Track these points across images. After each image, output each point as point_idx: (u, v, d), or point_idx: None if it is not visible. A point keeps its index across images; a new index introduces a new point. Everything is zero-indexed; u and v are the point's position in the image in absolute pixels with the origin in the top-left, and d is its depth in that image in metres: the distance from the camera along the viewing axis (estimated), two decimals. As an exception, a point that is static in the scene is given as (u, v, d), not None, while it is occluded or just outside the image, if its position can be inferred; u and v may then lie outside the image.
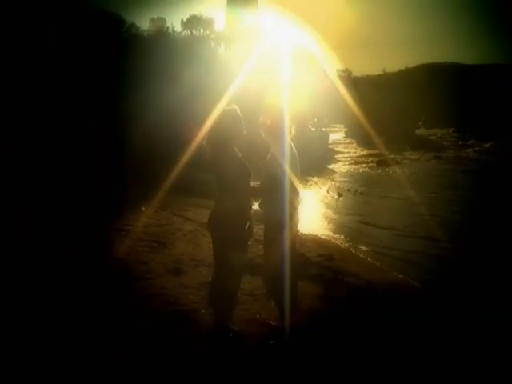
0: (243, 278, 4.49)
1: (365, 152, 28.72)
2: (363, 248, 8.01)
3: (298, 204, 4.19)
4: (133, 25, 21.96)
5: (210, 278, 4.28)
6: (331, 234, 9.06)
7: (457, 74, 46.71)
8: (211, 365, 3.58)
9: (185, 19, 30.63)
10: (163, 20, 27.79)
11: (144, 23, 29.61)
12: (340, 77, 43.01)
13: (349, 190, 14.76)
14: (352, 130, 36.43)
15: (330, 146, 29.76)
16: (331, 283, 5.62)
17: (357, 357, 3.85)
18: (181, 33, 28.28)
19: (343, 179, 18.10)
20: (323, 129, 35.96)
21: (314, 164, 18.65)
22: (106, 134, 13.00)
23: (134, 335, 3.93)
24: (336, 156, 27.22)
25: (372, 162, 23.86)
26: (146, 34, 23.36)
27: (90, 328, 3.96)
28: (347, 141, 37.36)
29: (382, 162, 22.71)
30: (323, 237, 8.76)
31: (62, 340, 3.76)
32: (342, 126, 44.79)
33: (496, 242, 8.13)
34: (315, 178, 17.15)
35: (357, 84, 38.99)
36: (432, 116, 44.99)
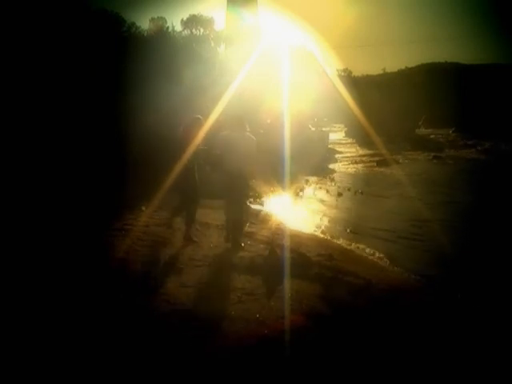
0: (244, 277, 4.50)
1: (365, 152, 28.68)
2: (363, 247, 8.01)
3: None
4: (133, 24, 21.89)
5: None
6: (331, 233, 9.05)
7: (457, 74, 46.62)
8: (210, 364, 3.58)
9: (185, 19, 30.57)
10: (163, 19, 27.66)
11: (144, 23, 29.45)
12: (340, 76, 43.02)
13: (349, 190, 14.75)
14: (352, 130, 36.29)
15: (329, 146, 29.70)
16: (331, 282, 5.62)
17: (357, 356, 3.85)
18: (181, 32, 28.20)
19: (343, 179, 18.08)
20: (323, 129, 35.93)
21: (314, 164, 18.64)
22: (105, 133, 12.99)
23: (134, 335, 3.93)
24: (336, 156, 27.18)
25: (372, 161, 23.81)
26: (145, 33, 23.30)
27: (89, 327, 3.96)
28: (347, 141, 37.30)
29: (382, 162, 22.65)
30: (323, 236, 8.76)
31: (62, 339, 3.76)
32: (342, 125, 44.72)
33: (497, 241, 8.13)
34: (315, 178, 17.13)
35: (357, 84, 38.92)
36: (432, 116, 44.92)
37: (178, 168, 6.86)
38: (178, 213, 7.46)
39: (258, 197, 12.47)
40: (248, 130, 7.06)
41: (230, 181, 6.84)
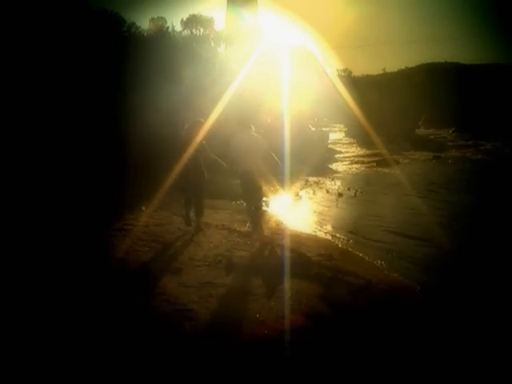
0: (244, 277, 4.48)
1: (365, 152, 28.65)
2: (363, 248, 8.00)
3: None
4: (133, 24, 21.89)
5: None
6: (331, 233, 9.05)
7: (457, 74, 46.60)
8: (210, 364, 3.59)
9: (185, 19, 30.53)
10: (163, 19, 27.63)
11: (144, 23, 29.41)
12: (340, 76, 43.00)
13: (349, 190, 14.75)
14: (352, 130, 36.26)
15: (329, 146, 29.67)
16: (331, 282, 5.62)
17: (357, 356, 3.85)
18: (181, 32, 28.19)
19: (343, 179, 18.07)
20: (323, 129, 35.90)
21: (314, 164, 18.63)
22: (105, 133, 13.00)
23: (134, 335, 3.94)
24: (336, 156, 27.16)
25: (372, 161, 23.76)
26: (145, 33, 23.30)
27: (89, 327, 3.97)
28: (347, 140, 37.26)
29: (381, 162, 22.61)
30: (323, 236, 8.76)
31: (62, 339, 3.76)
32: (342, 125, 44.71)
33: (497, 241, 8.13)
34: (315, 178, 17.13)
35: (357, 84, 38.90)
36: (432, 116, 44.88)
37: (179, 168, 7.23)
38: (188, 209, 7.86)
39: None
40: (253, 130, 7.42)
41: (245, 182, 7.28)
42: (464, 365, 3.88)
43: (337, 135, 40.25)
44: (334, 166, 22.33)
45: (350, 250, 7.85)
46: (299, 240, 7.69)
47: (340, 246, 8.06)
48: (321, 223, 10.08)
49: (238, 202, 11.29)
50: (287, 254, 6.44)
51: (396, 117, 37.75)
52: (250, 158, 7.10)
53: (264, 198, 7.94)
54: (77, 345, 3.69)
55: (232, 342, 3.92)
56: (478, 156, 26.52)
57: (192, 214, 7.91)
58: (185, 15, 30.71)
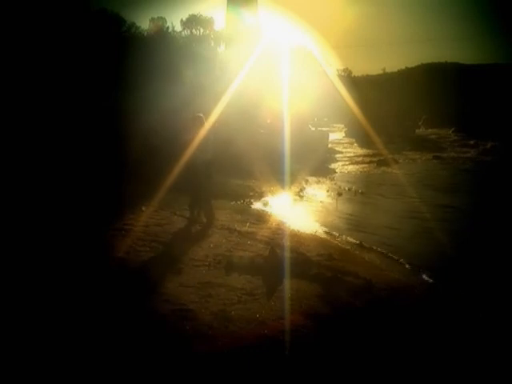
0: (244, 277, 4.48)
1: (365, 152, 28.65)
2: (363, 247, 8.01)
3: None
4: (133, 24, 21.89)
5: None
6: (331, 233, 9.05)
7: (457, 74, 46.67)
8: (210, 364, 3.59)
9: (185, 19, 30.49)
10: (163, 19, 27.61)
11: (144, 23, 29.38)
12: (340, 76, 43.03)
13: (349, 190, 14.75)
14: (352, 130, 36.22)
15: (329, 146, 29.66)
16: (331, 282, 5.62)
17: (357, 357, 3.85)
18: (181, 32, 28.18)
19: (343, 179, 18.07)
20: (323, 129, 35.91)
21: (314, 163, 18.63)
22: (105, 133, 13.00)
23: (134, 335, 3.94)
24: (336, 156, 27.16)
25: (372, 161, 23.76)
26: (145, 33, 23.30)
27: (89, 328, 3.97)
28: (347, 140, 37.24)
29: (381, 162, 22.60)
30: (323, 236, 8.76)
31: (61, 339, 3.76)
32: (342, 125, 44.70)
33: (497, 241, 8.13)
34: (315, 178, 17.12)
35: (357, 84, 38.95)
36: (432, 116, 44.93)
37: (184, 167, 7.62)
38: (194, 208, 8.32)
39: (258, 196, 12.48)
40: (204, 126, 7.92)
41: (195, 171, 7.77)
42: (464, 364, 3.88)
43: (337, 135, 40.24)
44: (333, 166, 22.32)
45: (350, 249, 7.86)
46: (299, 240, 7.69)
47: (340, 245, 8.06)
48: (321, 223, 10.08)
49: (239, 202, 11.30)
50: (287, 253, 6.44)
51: (396, 117, 37.78)
52: (199, 150, 7.70)
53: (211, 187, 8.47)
54: (76, 345, 3.69)
55: (232, 342, 3.92)
56: (478, 156, 26.50)
57: (196, 212, 8.24)
58: (185, 15, 30.68)
